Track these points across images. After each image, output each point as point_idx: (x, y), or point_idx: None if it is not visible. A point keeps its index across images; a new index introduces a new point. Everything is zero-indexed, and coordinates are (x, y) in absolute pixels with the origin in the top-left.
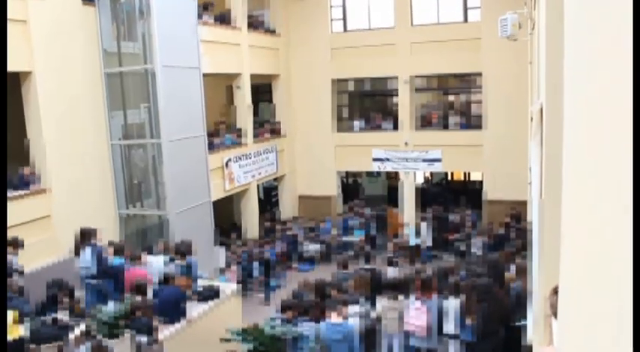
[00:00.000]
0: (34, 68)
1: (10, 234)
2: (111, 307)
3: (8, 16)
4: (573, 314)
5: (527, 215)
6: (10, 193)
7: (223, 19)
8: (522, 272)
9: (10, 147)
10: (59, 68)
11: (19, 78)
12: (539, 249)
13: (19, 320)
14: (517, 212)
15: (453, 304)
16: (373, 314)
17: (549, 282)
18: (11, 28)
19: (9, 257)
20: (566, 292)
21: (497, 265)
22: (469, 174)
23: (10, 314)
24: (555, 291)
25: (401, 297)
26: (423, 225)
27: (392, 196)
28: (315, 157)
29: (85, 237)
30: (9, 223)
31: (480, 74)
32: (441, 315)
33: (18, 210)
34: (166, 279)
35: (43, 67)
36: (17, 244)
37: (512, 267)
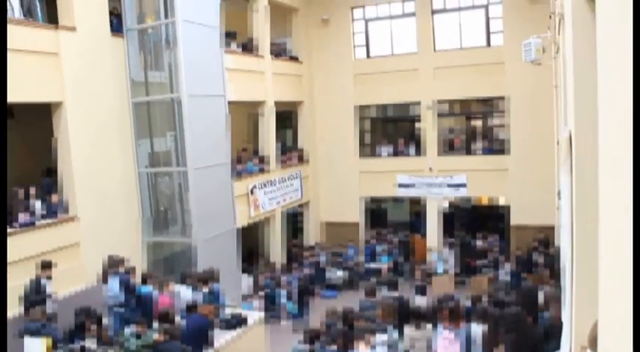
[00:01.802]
0: (65, 98)
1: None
2: (132, 331)
3: (41, 49)
4: (614, 345)
5: (555, 240)
6: (39, 221)
7: (247, 47)
8: (553, 300)
9: (42, 176)
10: (88, 98)
11: (50, 108)
12: (570, 278)
13: (53, 347)
14: (544, 237)
15: (476, 331)
16: (401, 345)
17: (582, 312)
18: (43, 60)
19: (42, 281)
20: (605, 322)
21: (529, 293)
22: (496, 198)
23: (44, 342)
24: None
25: (428, 326)
26: (449, 251)
27: (416, 222)
28: (339, 183)
29: (112, 264)
30: (40, 250)
31: (503, 98)
32: (469, 344)
33: (48, 237)
34: (192, 307)
35: (73, 97)
36: (49, 266)
37: (541, 295)
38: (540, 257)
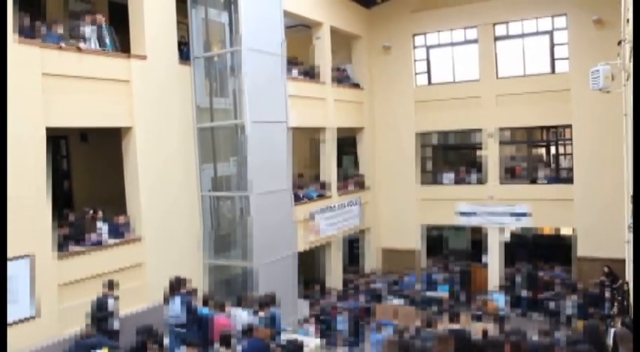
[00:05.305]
0: (135, 124)
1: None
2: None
3: (114, 77)
4: None
5: (626, 275)
6: (110, 240)
7: (309, 73)
8: (624, 339)
9: (110, 197)
10: (156, 123)
11: (120, 133)
12: None
13: None
14: (610, 270)
15: None
16: None
17: None
18: (116, 88)
19: (107, 299)
20: None
21: (595, 331)
22: (558, 228)
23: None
24: None
25: None
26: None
27: (477, 250)
28: (398, 210)
29: (176, 285)
30: (109, 269)
31: (569, 126)
32: None
33: (114, 256)
34: (249, 330)
35: (142, 122)
36: (112, 285)
37: (611, 332)
38: (607, 291)
